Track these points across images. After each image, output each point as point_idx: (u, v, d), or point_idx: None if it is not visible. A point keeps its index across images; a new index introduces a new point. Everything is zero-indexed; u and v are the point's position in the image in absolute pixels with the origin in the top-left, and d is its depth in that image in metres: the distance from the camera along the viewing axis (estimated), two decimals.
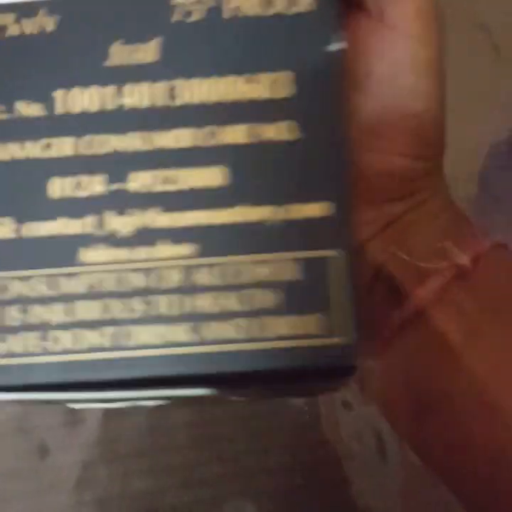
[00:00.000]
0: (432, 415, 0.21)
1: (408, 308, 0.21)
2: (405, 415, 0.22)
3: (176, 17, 0.16)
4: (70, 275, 0.16)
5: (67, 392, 0.15)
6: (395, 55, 0.21)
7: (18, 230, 0.16)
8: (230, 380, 0.16)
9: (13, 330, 0.15)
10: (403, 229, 0.23)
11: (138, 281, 0.15)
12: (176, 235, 0.16)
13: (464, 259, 0.21)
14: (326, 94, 0.16)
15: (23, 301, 0.15)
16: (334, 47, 0.16)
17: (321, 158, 0.16)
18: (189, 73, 0.16)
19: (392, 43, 0.21)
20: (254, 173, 0.16)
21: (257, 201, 0.16)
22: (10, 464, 0.35)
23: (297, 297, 0.15)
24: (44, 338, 0.15)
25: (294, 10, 0.16)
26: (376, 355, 0.22)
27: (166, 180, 0.16)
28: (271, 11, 0.16)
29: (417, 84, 0.21)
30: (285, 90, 0.16)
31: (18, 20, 0.16)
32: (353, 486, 0.37)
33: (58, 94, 0.16)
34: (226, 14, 0.16)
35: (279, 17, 0.16)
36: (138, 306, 0.15)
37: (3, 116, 0.16)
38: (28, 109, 0.16)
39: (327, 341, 0.15)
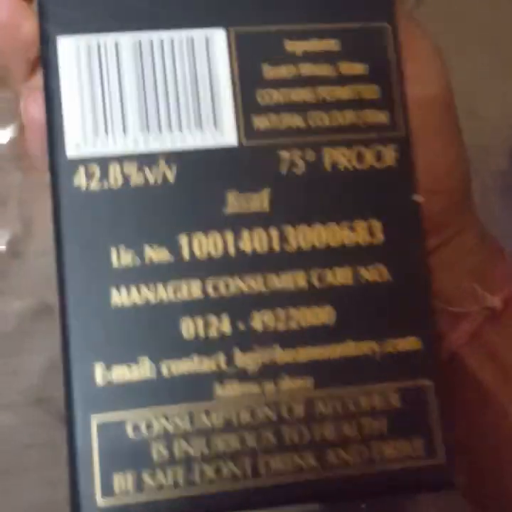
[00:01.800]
0: (467, 455, 0.22)
1: None
2: None
3: (283, 169, 0.19)
4: (207, 410, 0.17)
5: None
6: None
7: (157, 369, 0.17)
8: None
9: (161, 465, 0.17)
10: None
11: (269, 413, 0.17)
12: (296, 369, 0.18)
13: (494, 302, 0.22)
14: (411, 240, 0.19)
15: (168, 437, 0.17)
16: (416, 197, 0.19)
17: (409, 298, 0.18)
18: (296, 221, 0.18)
19: None
20: (356, 311, 0.18)
21: (361, 337, 0.18)
22: (28, 434, 0.34)
23: (400, 423, 0.18)
24: (190, 471, 0.17)
25: (382, 165, 0.19)
26: None
27: (285, 319, 0.18)
28: (364, 165, 0.19)
29: (426, 117, 0.21)
30: (377, 237, 0.19)
31: (140, 170, 0.18)
32: None
33: (183, 240, 0.18)
34: (327, 167, 0.19)
35: (369, 171, 0.19)
36: (271, 437, 0.17)
37: (135, 262, 0.18)
38: (157, 254, 0.18)
39: (430, 462, 0.18)
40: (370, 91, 0.19)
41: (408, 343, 0.18)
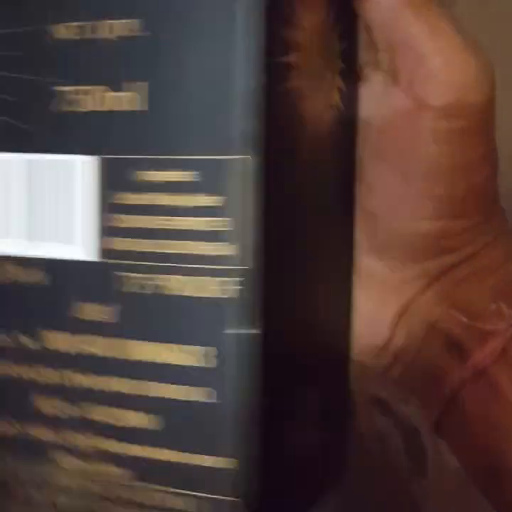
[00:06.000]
0: (497, 476, 0.23)
1: (468, 367, 0.23)
2: (476, 472, 0.24)
3: (128, 288, 0.20)
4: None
5: None
6: (418, 126, 0.22)
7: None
8: None
9: None
10: (454, 284, 0.23)
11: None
12: (119, 460, 0.21)
13: None
14: (243, 368, 0.20)
15: None
16: (254, 331, 0.20)
17: (233, 420, 0.20)
18: (136, 336, 0.21)
19: (415, 116, 0.22)
20: (180, 423, 0.20)
21: (184, 447, 0.20)
22: None
23: None
24: None
25: (224, 295, 0.20)
26: (437, 412, 0.24)
27: (113, 417, 0.21)
28: (208, 294, 0.20)
29: (439, 152, 0.22)
30: (210, 361, 0.20)
31: (15, 268, 0.22)
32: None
33: (43, 333, 0.22)
34: (170, 292, 0.20)
35: (212, 299, 0.20)
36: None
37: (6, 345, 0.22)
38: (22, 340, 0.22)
39: None
40: (222, 223, 0.19)
41: (222, 461, 0.20)
